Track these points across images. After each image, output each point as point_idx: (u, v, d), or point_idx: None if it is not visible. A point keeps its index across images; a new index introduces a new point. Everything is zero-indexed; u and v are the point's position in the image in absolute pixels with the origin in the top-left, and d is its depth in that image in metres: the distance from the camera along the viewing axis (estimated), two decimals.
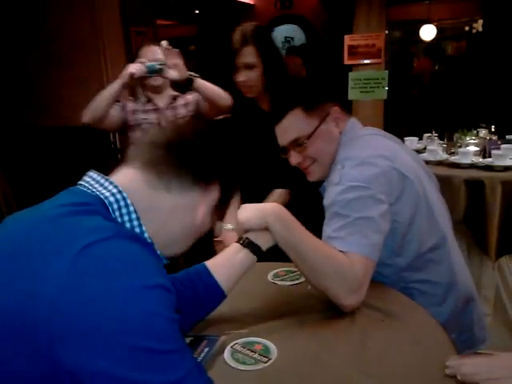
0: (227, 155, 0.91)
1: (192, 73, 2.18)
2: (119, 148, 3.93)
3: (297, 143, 1.25)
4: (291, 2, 7.90)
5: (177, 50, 2.17)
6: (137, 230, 0.77)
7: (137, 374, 0.62)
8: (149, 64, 2.17)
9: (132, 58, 4.11)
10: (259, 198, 1.69)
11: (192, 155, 0.83)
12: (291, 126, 1.23)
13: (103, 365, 0.60)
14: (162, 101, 2.35)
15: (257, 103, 1.82)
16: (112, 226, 0.71)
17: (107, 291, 0.62)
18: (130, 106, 2.34)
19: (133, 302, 0.63)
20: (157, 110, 2.34)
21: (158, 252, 0.82)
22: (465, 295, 1.31)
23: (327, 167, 1.27)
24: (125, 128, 2.34)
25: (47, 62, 3.97)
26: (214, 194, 0.87)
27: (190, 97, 2.41)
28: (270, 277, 1.35)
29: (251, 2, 8.05)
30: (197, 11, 7.96)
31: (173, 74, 2.18)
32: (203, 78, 2.26)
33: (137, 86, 2.30)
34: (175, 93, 2.40)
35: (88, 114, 2.18)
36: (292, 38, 8.14)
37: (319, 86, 1.27)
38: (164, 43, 2.20)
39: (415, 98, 5.90)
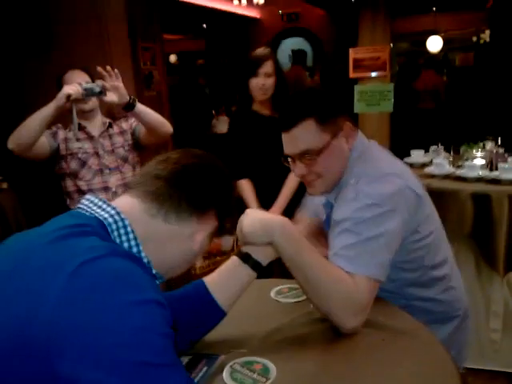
0: (221, 183, 0.92)
1: (132, 96, 2.03)
2: None
3: (305, 156, 1.18)
4: (297, 15, 7.98)
5: (117, 72, 2.00)
6: (134, 249, 0.80)
7: None
8: (87, 86, 1.98)
9: (139, 72, 4.21)
10: (268, 193, 2.22)
11: (190, 186, 0.85)
12: (302, 137, 1.17)
13: (99, 376, 0.62)
14: (94, 128, 2.17)
15: (258, 110, 2.29)
16: (107, 245, 0.74)
17: (100, 307, 0.64)
18: (61, 133, 2.13)
19: (125, 317, 0.65)
20: (91, 138, 2.16)
21: (154, 272, 0.83)
22: (464, 312, 1.30)
23: (331, 184, 1.24)
24: (55, 157, 2.11)
25: (57, 75, 4.03)
26: (210, 221, 0.89)
27: (125, 124, 2.25)
28: (272, 294, 1.34)
29: (258, 16, 8.14)
30: (205, 26, 8.04)
31: (112, 97, 1.98)
32: (213, 88, 2.26)
33: (71, 111, 2.02)
34: (107, 119, 2.24)
35: (13, 140, 1.93)
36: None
37: (335, 98, 1.22)
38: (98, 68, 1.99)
39: (421, 111, 5.87)
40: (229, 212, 0.94)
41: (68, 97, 1.92)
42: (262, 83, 2.20)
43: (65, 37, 4.04)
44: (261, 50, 2.26)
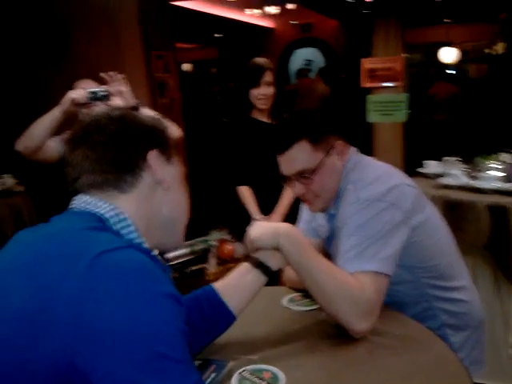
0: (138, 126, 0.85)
1: (138, 101, 2.04)
2: None
3: (302, 175, 1.22)
4: (310, 26, 8.01)
5: (122, 76, 2.03)
6: (137, 241, 0.79)
7: (147, 379, 0.62)
8: (92, 90, 1.98)
9: (153, 80, 4.24)
10: (268, 199, 2.26)
11: (109, 153, 0.80)
12: (297, 158, 1.21)
13: (116, 366, 0.61)
14: None
15: (257, 118, 2.34)
16: (122, 240, 0.75)
17: (119, 296, 0.64)
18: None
19: (150, 307, 0.64)
20: None
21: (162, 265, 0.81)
22: (480, 321, 1.30)
23: (329, 200, 1.27)
24: (63, 163, 2.12)
25: (72, 83, 4.08)
26: (151, 158, 0.83)
27: None
28: (284, 301, 1.32)
29: (271, 26, 8.19)
30: (218, 35, 8.10)
31: (117, 101, 1.99)
32: (225, 96, 2.27)
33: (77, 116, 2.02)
34: None
35: (21, 142, 1.98)
36: (311, 61, 8.22)
37: (325, 117, 1.25)
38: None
39: (435, 121, 5.84)
40: (168, 142, 0.88)
41: (72, 101, 1.93)
42: (263, 93, 2.26)
43: (79, 46, 4.10)
44: (260, 60, 2.31)
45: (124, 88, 2.00)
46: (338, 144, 1.23)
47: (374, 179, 1.17)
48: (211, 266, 2.03)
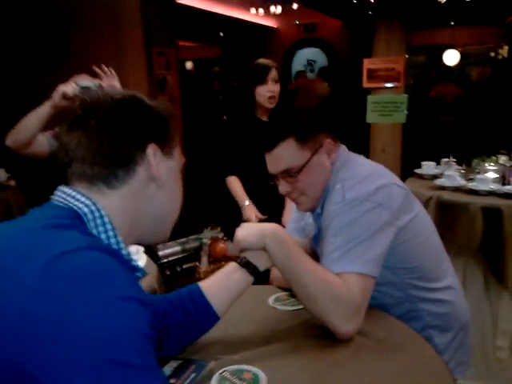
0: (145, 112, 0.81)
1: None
2: None
3: (287, 174, 1.22)
4: (314, 26, 7.99)
5: (113, 72, 2.04)
6: (112, 240, 0.75)
7: None
8: (82, 84, 1.94)
9: (153, 76, 4.23)
10: (264, 199, 2.21)
11: (111, 135, 0.76)
12: (283, 156, 1.20)
13: (68, 374, 0.58)
14: None
15: (261, 117, 2.33)
16: (87, 239, 0.70)
17: (76, 300, 0.60)
18: None
19: (104, 313, 0.61)
20: None
21: (135, 264, 0.78)
22: (466, 323, 1.29)
23: (317, 199, 1.26)
24: (54, 158, 2.11)
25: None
26: (150, 152, 0.79)
27: None
28: (270, 301, 1.31)
29: (275, 26, 8.17)
30: (221, 33, 8.10)
31: None
32: (225, 95, 2.26)
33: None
34: None
35: (11, 136, 1.97)
36: (314, 61, 8.21)
37: (313, 116, 1.24)
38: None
39: (436, 123, 5.82)
40: (170, 134, 0.84)
41: (63, 95, 1.90)
42: (271, 89, 2.25)
43: (80, 40, 4.10)
44: (265, 60, 2.33)
45: (117, 83, 2.00)
46: (327, 143, 1.22)
47: (362, 178, 1.16)
48: (203, 264, 2.03)
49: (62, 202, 0.76)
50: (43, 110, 1.94)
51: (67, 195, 0.76)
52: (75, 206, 0.74)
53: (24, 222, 0.75)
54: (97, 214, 0.75)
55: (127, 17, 4.07)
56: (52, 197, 0.78)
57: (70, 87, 1.93)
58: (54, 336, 0.58)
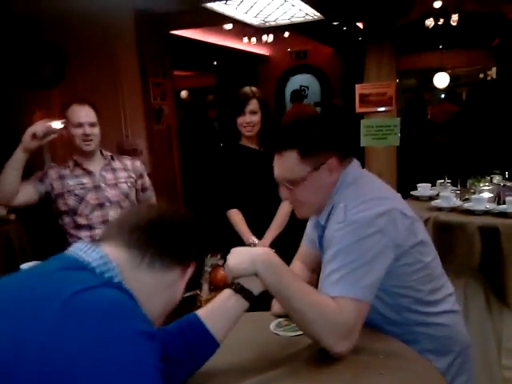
0: (202, 236, 0.94)
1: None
2: None
3: (285, 183, 1.24)
4: (306, 53, 8.16)
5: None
6: (116, 280, 0.79)
7: None
8: (50, 124, 1.95)
9: (150, 106, 4.29)
10: (258, 223, 2.26)
11: (173, 238, 0.87)
12: (284, 165, 1.22)
13: None
14: (93, 164, 2.17)
15: (246, 145, 2.37)
16: (98, 279, 0.75)
17: (92, 337, 0.63)
18: (53, 172, 2.11)
19: (118, 347, 0.63)
20: (89, 172, 2.15)
21: None
22: (466, 347, 1.27)
23: (316, 210, 1.27)
24: (48, 199, 2.11)
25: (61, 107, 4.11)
26: (191, 270, 0.92)
27: (129, 163, 2.29)
28: (272, 327, 1.31)
29: (267, 54, 8.34)
30: (215, 62, 8.25)
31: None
32: (220, 123, 2.30)
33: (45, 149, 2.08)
34: (108, 153, 2.25)
35: None
36: (307, 87, 8.35)
37: (321, 134, 1.24)
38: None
39: (431, 144, 5.89)
40: (203, 259, 0.96)
41: (33, 136, 1.91)
42: (248, 121, 2.30)
43: (77, 72, 4.15)
44: (247, 89, 2.37)
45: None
46: (332, 161, 1.21)
47: (366, 200, 1.15)
48: (204, 292, 2.02)
49: (72, 256, 0.81)
50: (16, 158, 1.94)
51: (79, 250, 0.81)
52: (84, 259, 0.79)
53: (37, 268, 0.80)
54: (105, 267, 0.79)
55: (123, 48, 4.15)
56: (67, 251, 0.83)
57: (38, 127, 1.93)
58: (71, 371, 0.60)
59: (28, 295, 0.69)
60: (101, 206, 2.13)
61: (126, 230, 0.85)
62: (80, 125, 2.09)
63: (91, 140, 2.11)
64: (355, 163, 1.28)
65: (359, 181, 1.23)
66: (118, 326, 0.65)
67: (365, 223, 1.10)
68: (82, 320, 0.64)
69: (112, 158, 2.24)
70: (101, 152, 2.23)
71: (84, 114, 2.11)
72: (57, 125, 1.99)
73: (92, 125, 2.11)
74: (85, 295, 0.67)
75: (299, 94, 6.93)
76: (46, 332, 0.62)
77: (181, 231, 0.89)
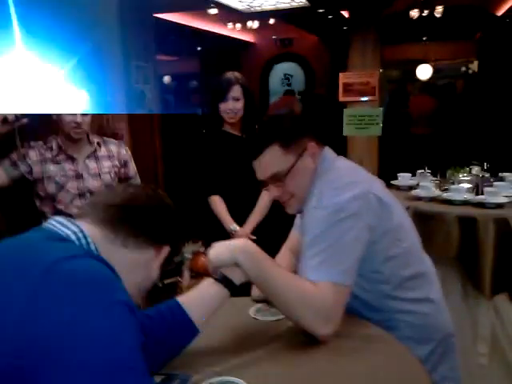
0: (178, 219, 0.95)
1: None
2: None
3: (275, 179, 1.25)
4: (291, 41, 8.12)
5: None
6: (96, 252, 0.80)
7: None
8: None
9: (131, 90, 4.24)
10: (240, 210, 2.26)
11: (147, 218, 0.88)
12: (269, 162, 1.24)
13: (66, 373, 0.61)
14: (78, 151, 2.07)
15: (229, 131, 2.34)
16: (81, 250, 0.77)
17: (78, 300, 0.64)
18: (34, 154, 2.00)
19: (104, 314, 0.65)
20: (73, 159, 2.06)
21: None
22: (448, 334, 1.29)
23: (304, 200, 1.27)
24: (26, 180, 2.01)
25: None
26: (165, 251, 0.92)
27: (114, 148, 2.19)
28: (251, 312, 1.32)
29: (252, 40, 8.27)
30: (199, 48, 8.15)
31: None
32: (203, 109, 2.24)
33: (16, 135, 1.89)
34: (95, 139, 2.13)
35: None
36: (291, 76, 8.33)
37: (295, 121, 1.28)
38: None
39: (412, 136, 5.95)
40: (182, 242, 1.00)
41: (2, 120, 1.79)
42: (230, 107, 2.26)
43: None
44: (230, 75, 2.31)
45: None
46: (311, 146, 1.25)
47: (341, 185, 1.18)
48: (185, 279, 2.02)
49: (51, 229, 0.82)
50: None
51: (57, 222, 0.83)
52: (63, 231, 0.80)
53: (19, 239, 0.79)
54: (83, 241, 0.80)
55: (105, 31, 4.06)
56: (45, 224, 0.84)
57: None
58: (53, 335, 0.61)
59: (12, 263, 0.70)
60: (81, 195, 2.06)
61: (101, 208, 0.85)
62: None
63: (82, 128, 2.03)
64: (328, 149, 1.31)
65: (332, 166, 1.26)
66: (100, 294, 0.66)
67: (339, 208, 1.12)
68: (64, 285, 0.65)
69: (98, 145, 2.14)
70: (87, 137, 2.12)
71: None
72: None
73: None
74: (69, 263, 0.68)
75: (291, 93, 7.08)
76: (28, 296, 0.63)
77: (155, 212, 0.90)
